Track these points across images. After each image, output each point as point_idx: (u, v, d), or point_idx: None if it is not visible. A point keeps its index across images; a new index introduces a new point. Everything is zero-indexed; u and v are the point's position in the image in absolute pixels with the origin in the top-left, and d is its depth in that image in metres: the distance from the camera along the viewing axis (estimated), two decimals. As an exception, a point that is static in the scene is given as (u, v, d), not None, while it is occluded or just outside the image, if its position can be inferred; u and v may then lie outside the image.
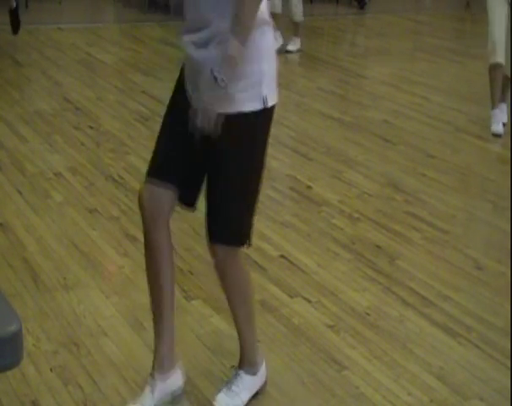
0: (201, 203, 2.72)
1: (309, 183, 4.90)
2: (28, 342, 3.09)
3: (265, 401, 2.89)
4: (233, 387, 2.81)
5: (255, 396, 2.89)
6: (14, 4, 7.57)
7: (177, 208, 4.19)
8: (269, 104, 2.52)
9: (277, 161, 5.33)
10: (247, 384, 2.84)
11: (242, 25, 2.40)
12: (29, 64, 7.37)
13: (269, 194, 4.72)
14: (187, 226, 4.22)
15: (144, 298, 3.52)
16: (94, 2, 10.45)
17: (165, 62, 7.67)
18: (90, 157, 5.14)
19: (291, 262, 3.90)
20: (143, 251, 3.91)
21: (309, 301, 3.56)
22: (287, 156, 5.46)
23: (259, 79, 2.49)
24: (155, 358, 2.75)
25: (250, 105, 2.49)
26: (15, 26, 7.63)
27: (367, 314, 3.48)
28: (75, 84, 6.78)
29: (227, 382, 2.84)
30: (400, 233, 4.28)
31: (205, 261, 3.85)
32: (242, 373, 2.85)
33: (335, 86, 7.27)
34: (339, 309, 3.51)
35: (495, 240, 4.33)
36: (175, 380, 2.79)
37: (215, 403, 2.79)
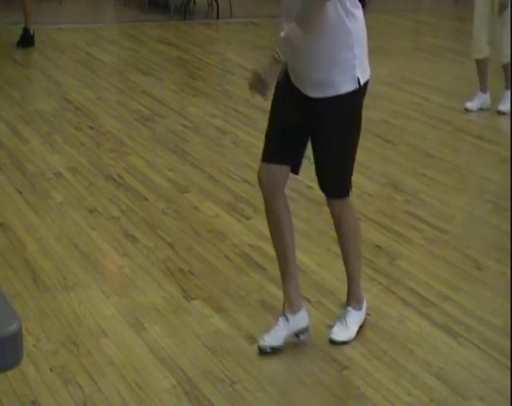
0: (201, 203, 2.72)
1: (309, 183, 4.90)
2: (28, 342, 3.09)
3: (265, 401, 2.89)
4: (345, 322, 3.25)
5: (255, 395, 2.90)
6: (32, 31, 7.71)
7: (177, 208, 4.20)
8: (362, 82, 2.97)
9: (277, 161, 5.32)
10: (356, 318, 3.28)
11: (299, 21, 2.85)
12: (29, 64, 7.38)
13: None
14: (187, 226, 4.22)
15: (144, 298, 3.53)
16: (94, 2, 10.46)
17: (165, 62, 7.67)
18: (90, 157, 5.14)
19: (291, 262, 3.89)
20: (143, 251, 3.93)
21: (309, 301, 3.55)
22: (287, 156, 5.45)
23: (353, 63, 2.94)
24: (285, 300, 3.19)
25: (346, 87, 2.95)
26: (24, 43, 7.74)
27: (368, 314, 3.47)
28: (75, 84, 6.78)
29: (339, 317, 3.27)
30: (400, 233, 4.28)
31: (205, 261, 3.85)
32: (351, 309, 3.28)
33: (335, 86, 7.25)
34: (339, 309, 3.50)
35: (495, 240, 4.33)
36: (301, 319, 3.19)
37: (331, 335, 3.21)
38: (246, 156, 5.20)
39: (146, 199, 4.52)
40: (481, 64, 6.31)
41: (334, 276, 3.79)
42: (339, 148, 3.10)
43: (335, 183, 3.20)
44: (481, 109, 6.37)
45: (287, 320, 3.16)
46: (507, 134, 5.79)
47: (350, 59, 2.94)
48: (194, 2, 9.96)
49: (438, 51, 8.70)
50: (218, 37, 9.04)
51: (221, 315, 3.38)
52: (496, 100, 6.45)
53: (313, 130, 3.07)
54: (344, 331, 3.24)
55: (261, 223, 4.30)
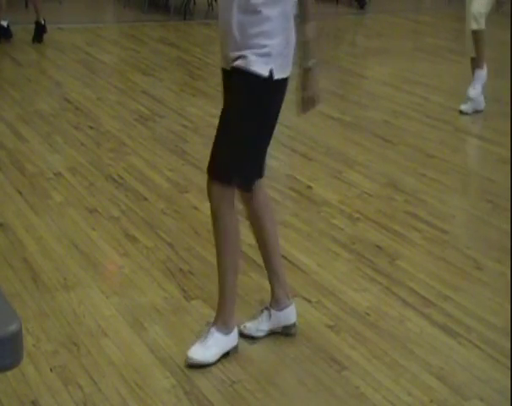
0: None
1: (309, 183, 4.90)
2: (28, 342, 3.09)
3: (265, 401, 2.89)
4: (206, 341, 3.03)
5: (255, 395, 2.90)
6: (42, 21, 7.74)
7: (177, 208, 4.19)
8: (275, 77, 2.90)
9: (277, 161, 5.33)
10: (219, 341, 3.05)
11: (309, 13, 2.99)
12: (30, 64, 7.37)
13: (269, 194, 4.71)
14: (187, 226, 4.22)
15: (144, 298, 3.53)
16: (94, 2, 10.46)
17: (165, 62, 7.67)
18: (90, 157, 5.14)
19: (291, 262, 3.90)
20: (143, 251, 3.94)
21: (309, 301, 3.56)
22: (287, 156, 5.46)
23: (270, 51, 2.87)
24: (271, 296, 3.22)
25: (258, 67, 2.87)
26: (39, 37, 7.76)
27: (367, 314, 3.48)
28: (75, 84, 6.78)
29: (201, 336, 3.08)
30: (400, 233, 4.28)
31: (205, 261, 3.85)
32: (214, 330, 3.06)
33: (335, 86, 7.27)
34: (339, 309, 3.51)
35: (495, 240, 4.33)
36: (289, 315, 3.23)
37: (189, 353, 3.00)
38: (246, 156, 5.19)
39: (146, 199, 4.52)
40: (478, 35, 6.20)
41: (334, 276, 3.80)
42: (231, 124, 2.99)
43: (216, 159, 3.01)
44: (476, 111, 6.33)
45: (271, 315, 3.21)
46: (507, 134, 5.80)
47: (267, 46, 2.88)
48: (194, 2, 9.96)
49: (438, 51, 8.70)
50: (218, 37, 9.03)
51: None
52: (495, 100, 6.46)
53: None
54: (202, 351, 3.02)
55: (261, 223, 4.30)
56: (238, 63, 2.90)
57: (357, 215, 4.48)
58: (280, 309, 3.22)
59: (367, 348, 3.24)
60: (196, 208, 4.44)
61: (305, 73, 3.00)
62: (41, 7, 8.10)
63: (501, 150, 5.62)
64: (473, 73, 6.27)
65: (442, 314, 3.51)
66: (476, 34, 6.18)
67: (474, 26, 6.17)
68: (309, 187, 4.86)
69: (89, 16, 9.77)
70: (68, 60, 7.62)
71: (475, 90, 6.24)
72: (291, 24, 2.97)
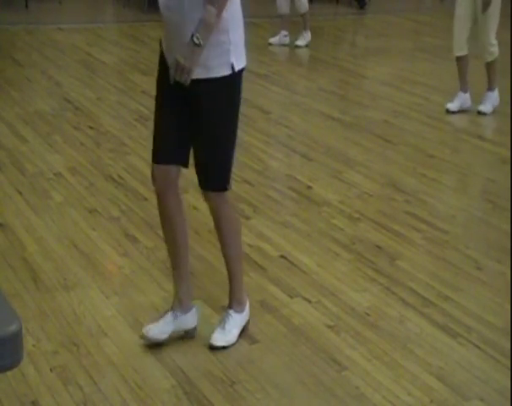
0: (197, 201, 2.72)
1: (309, 183, 4.90)
2: (28, 342, 3.09)
3: (265, 401, 2.89)
4: (226, 326, 3.17)
5: (255, 395, 2.90)
6: None
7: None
8: (237, 69, 2.92)
9: (277, 161, 5.33)
10: (237, 321, 3.21)
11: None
12: (30, 64, 7.37)
13: (269, 194, 4.72)
14: (187, 226, 4.21)
15: (144, 298, 3.53)
16: (94, 2, 10.45)
17: (165, 62, 7.66)
18: (90, 157, 5.14)
19: (291, 262, 3.90)
20: (143, 251, 3.93)
21: (309, 301, 3.56)
22: (287, 156, 5.46)
23: (228, 47, 2.87)
24: (175, 299, 3.18)
25: (220, 71, 2.89)
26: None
27: (367, 314, 3.48)
28: (75, 84, 6.78)
29: (220, 322, 3.20)
30: (400, 233, 4.28)
31: (205, 261, 3.85)
32: (232, 312, 3.21)
33: (335, 86, 7.27)
34: (339, 309, 3.51)
35: (495, 240, 4.33)
36: (191, 319, 3.19)
37: (211, 341, 3.13)
38: (246, 156, 5.20)
39: (146, 199, 4.51)
40: (461, 62, 6.32)
41: (334, 276, 3.80)
42: (213, 134, 3.00)
43: (211, 173, 3.07)
44: (461, 110, 6.37)
45: (176, 317, 3.15)
46: (507, 134, 5.80)
47: (226, 43, 2.86)
48: (194, 2, 9.95)
49: (438, 51, 8.69)
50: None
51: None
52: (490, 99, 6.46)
53: (191, 117, 2.99)
54: (225, 335, 3.17)
55: (261, 223, 4.31)
56: (197, 72, 2.85)
57: (357, 215, 4.48)
58: (185, 312, 3.17)
59: (367, 348, 3.24)
60: (196, 208, 4.44)
61: (196, 47, 2.79)
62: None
63: (501, 150, 5.63)
64: (460, 72, 6.34)
65: (442, 314, 3.51)
66: (491, 64, 6.22)
67: (489, 58, 6.23)
68: (309, 187, 4.86)
69: (89, 16, 9.76)
70: (68, 60, 7.62)
71: (486, 108, 6.30)
72: (241, 13, 2.97)
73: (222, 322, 3.20)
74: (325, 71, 7.80)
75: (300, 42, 8.40)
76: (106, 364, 3.04)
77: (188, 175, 4.98)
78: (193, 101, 2.95)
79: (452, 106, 6.35)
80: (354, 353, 3.20)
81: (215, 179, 3.07)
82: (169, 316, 3.15)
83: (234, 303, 3.23)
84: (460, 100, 6.36)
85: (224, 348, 3.13)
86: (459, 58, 6.32)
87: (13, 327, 1.53)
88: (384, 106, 6.60)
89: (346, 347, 3.23)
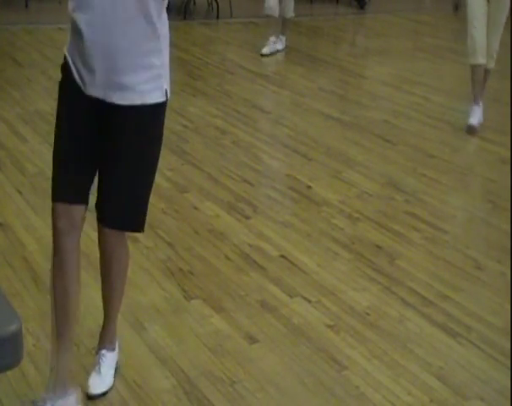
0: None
1: (309, 183, 4.91)
2: (28, 341, 3.09)
3: (265, 401, 2.89)
4: (101, 369, 2.89)
5: (255, 395, 2.90)
6: None
7: (177, 208, 4.17)
8: (168, 95, 2.58)
9: (277, 161, 5.33)
10: (112, 361, 2.95)
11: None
12: (30, 64, 7.37)
13: (269, 194, 4.72)
14: (187, 226, 4.22)
15: (144, 298, 3.53)
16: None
17: (165, 62, 7.66)
18: (90, 157, 5.13)
19: (291, 262, 3.90)
20: (143, 251, 3.93)
21: (309, 301, 3.56)
22: (287, 156, 5.46)
23: (160, 71, 2.53)
24: (52, 377, 2.73)
25: (154, 96, 2.53)
26: None
27: (367, 314, 3.48)
28: (75, 84, 6.78)
29: (94, 365, 2.91)
30: (400, 233, 4.28)
31: (205, 261, 3.85)
32: (105, 352, 2.94)
33: (335, 86, 7.27)
34: (339, 309, 3.51)
35: (495, 240, 4.33)
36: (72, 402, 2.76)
37: (89, 390, 2.84)
38: (246, 156, 5.20)
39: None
40: (479, 71, 6.05)
41: (334, 276, 3.80)
42: (137, 165, 2.59)
43: (128, 212, 2.67)
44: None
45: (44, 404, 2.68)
46: (507, 134, 5.80)
47: (157, 67, 2.51)
48: (194, 3, 9.96)
49: (438, 51, 8.70)
50: (218, 37, 9.03)
51: (221, 315, 3.38)
52: (495, 100, 6.46)
53: (106, 144, 2.56)
54: (101, 381, 2.88)
55: (261, 223, 4.31)
56: (129, 98, 2.49)
57: (357, 215, 4.48)
58: (60, 398, 2.70)
59: (367, 347, 3.24)
60: (196, 208, 4.44)
61: None
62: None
63: (501, 150, 5.63)
64: (478, 82, 6.05)
65: (442, 314, 3.51)
66: (490, 71, 6.11)
67: (491, 65, 6.04)
68: (309, 187, 4.86)
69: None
70: (68, 60, 7.61)
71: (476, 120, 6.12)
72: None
73: (97, 366, 2.90)
74: (325, 71, 7.80)
75: (278, 46, 8.25)
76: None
77: (189, 175, 5.00)
78: (113, 128, 2.54)
79: (474, 121, 6.02)
80: (354, 352, 3.20)
81: (131, 219, 2.69)
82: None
83: (107, 342, 2.96)
84: (478, 113, 6.08)
85: (103, 394, 2.86)
86: (478, 67, 6.04)
87: (13, 327, 1.53)
88: (384, 106, 6.60)
89: (346, 346, 3.23)
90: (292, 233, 4.23)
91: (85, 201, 2.63)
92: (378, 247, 4.11)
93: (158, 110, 2.56)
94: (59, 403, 2.68)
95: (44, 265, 3.77)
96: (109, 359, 2.94)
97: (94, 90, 2.49)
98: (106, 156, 2.58)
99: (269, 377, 3.01)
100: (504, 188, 4.90)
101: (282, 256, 3.96)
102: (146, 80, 2.49)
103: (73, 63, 2.51)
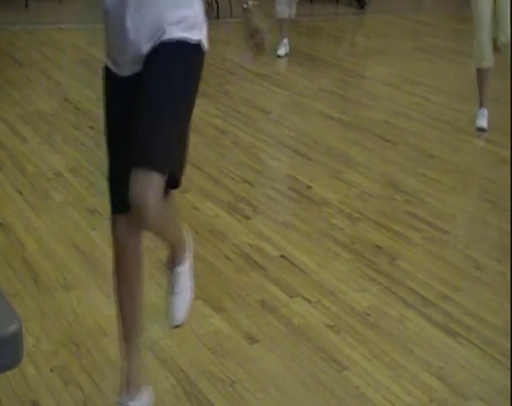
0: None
1: (309, 183, 4.90)
2: (28, 342, 3.09)
3: (265, 401, 2.89)
4: (176, 288, 2.78)
5: (255, 395, 2.90)
6: None
7: (177, 208, 4.16)
8: (203, 48, 2.47)
9: (277, 161, 5.33)
10: (186, 273, 2.83)
11: None
12: (30, 64, 7.37)
13: (269, 194, 4.72)
14: (187, 226, 4.21)
15: (144, 298, 3.52)
16: (94, 2, 10.45)
17: (165, 62, 7.65)
18: (90, 157, 5.14)
19: (291, 262, 3.90)
20: (143, 251, 3.92)
21: (309, 301, 3.56)
22: (287, 156, 5.46)
23: (195, 22, 2.44)
24: (122, 381, 2.71)
25: (187, 36, 2.40)
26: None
27: (367, 314, 3.48)
28: (75, 84, 6.78)
29: (168, 285, 2.80)
30: (400, 233, 4.28)
31: (205, 261, 3.85)
32: (178, 268, 2.79)
33: (335, 86, 7.27)
34: (339, 309, 3.51)
35: (495, 240, 4.33)
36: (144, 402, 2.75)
37: (171, 322, 2.80)
38: (246, 156, 5.20)
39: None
40: (486, 74, 6.01)
41: (334, 276, 3.80)
42: (164, 99, 2.35)
43: (147, 143, 2.33)
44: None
45: None
46: (507, 134, 5.80)
47: (190, 16, 2.43)
48: (194, 2, 9.95)
49: (438, 51, 8.70)
50: (218, 37, 9.03)
51: (221, 315, 3.38)
52: (495, 100, 6.45)
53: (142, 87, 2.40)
54: (180, 305, 2.82)
55: (261, 223, 4.31)
56: (158, 38, 2.39)
57: (357, 215, 4.48)
58: (132, 398, 2.68)
59: (367, 348, 3.24)
60: (196, 208, 4.44)
61: (245, 13, 2.63)
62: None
63: (501, 150, 5.63)
64: (484, 85, 6.02)
65: (442, 314, 3.51)
66: (500, 49, 6.06)
67: (503, 40, 5.87)
68: (309, 187, 4.86)
69: (89, 16, 9.76)
70: (68, 60, 7.62)
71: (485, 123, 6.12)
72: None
73: (171, 286, 2.78)
74: (325, 71, 7.80)
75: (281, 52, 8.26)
76: (106, 364, 3.04)
77: (189, 175, 4.99)
78: (144, 71, 2.41)
79: (483, 122, 6.02)
80: (354, 353, 3.20)
81: (159, 159, 2.33)
82: None
83: (176, 259, 2.79)
84: (485, 115, 6.06)
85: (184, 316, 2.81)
86: (484, 70, 5.99)
87: (13, 327, 1.53)
88: (384, 106, 6.60)
89: (346, 347, 3.23)
90: (292, 233, 4.23)
91: None
92: (379, 247, 4.11)
93: (190, 49, 2.41)
94: (134, 403, 2.67)
95: (44, 265, 3.77)
96: (184, 273, 2.80)
97: (133, 66, 2.47)
98: (141, 99, 2.40)
99: (269, 377, 3.01)
100: (504, 188, 4.89)
101: (282, 256, 3.96)
102: (178, 29, 2.40)
103: (108, 56, 2.57)
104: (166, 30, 2.39)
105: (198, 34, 2.46)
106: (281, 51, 8.12)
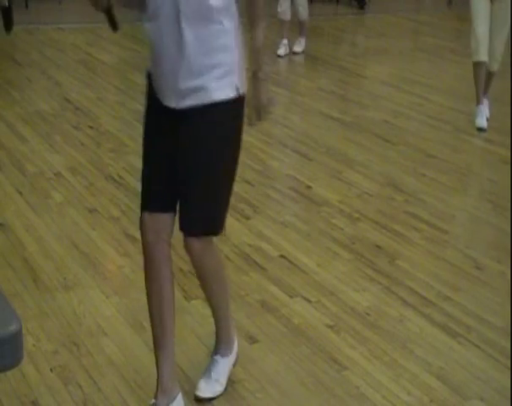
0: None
1: (309, 183, 4.90)
2: (28, 342, 3.09)
3: (265, 401, 2.89)
4: (212, 374, 2.88)
5: (255, 395, 2.90)
6: (7, 4, 7.59)
7: (177, 208, 4.14)
8: (241, 92, 2.56)
9: (277, 161, 5.33)
10: (225, 367, 2.92)
11: (261, 15, 2.60)
12: (29, 64, 7.37)
13: (269, 194, 4.72)
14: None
15: (144, 298, 3.52)
16: (94, 2, 10.44)
17: (165, 62, 7.65)
18: (90, 157, 5.14)
19: (291, 262, 3.90)
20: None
21: (309, 301, 3.56)
22: (287, 156, 5.46)
23: (232, 68, 2.53)
24: (157, 387, 2.74)
25: (224, 93, 2.51)
26: (8, 25, 7.64)
27: (367, 314, 3.48)
28: (75, 84, 6.78)
29: (206, 369, 2.90)
30: (400, 233, 4.28)
31: (205, 261, 3.85)
32: (218, 358, 2.92)
33: (335, 86, 7.27)
34: (339, 309, 3.51)
35: (495, 240, 4.33)
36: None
37: (197, 392, 2.85)
38: (246, 156, 5.20)
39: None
40: (482, 69, 6.04)
41: (334, 276, 3.80)
42: (208, 166, 2.55)
43: (200, 213, 2.58)
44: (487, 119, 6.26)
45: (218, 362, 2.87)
46: (507, 134, 5.80)
47: (227, 63, 2.51)
48: (194, 2, 9.96)
49: (438, 51, 8.70)
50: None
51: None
52: (495, 100, 6.46)
53: (180, 146, 2.55)
54: (210, 386, 2.87)
55: (261, 223, 4.31)
56: (197, 98, 2.49)
57: (357, 215, 4.48)
58: (170, 402, 2.74)
59: (367, 348, 3.24)
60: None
61: (257, 81, 2.64)
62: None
63: (501, 150, 5.63)
64: (480, 80, 6.07)
65: (442, 314, 3.51)
66: (493, 74, 6.12)
67: (495, 68, 6.07)
68: (309, 187, 4.86)
69: (89, 16, 9.73)
70: (68, 60, 7.62)
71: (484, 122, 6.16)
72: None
73: (208, 370, 2.90)
74: (325, 71, 7.80)
75: (297, 48, 8.32)
76: (106, 364, 3.04)
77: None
78: (184, 129, 2.55)
79: (482, 122, 6.06)
80: (354, 353, 3.20)
81: (203, 221, 2.60)
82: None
83: (221, 347, 2.94)
84: (484, 112, 6.11)
85: (211, 399, 2.85)
86: (480, 64, 6.02)
87: (13, 327, 1.53)
88: (384, 106, 6.61)
89: (346, 347, 3.23)
90: (292, 233, 4.23)
91: (172, 210, 2.62)
92: (378, 247, 4.11)
93: (228, 107, 2.52)
94: None
95: (44, 265, 3.77)
96: (221, 365, 2.91)
97: (168, 99, 2.53)
98: (180, 159, 2.56)
99: (269, 377, 3.01)
100: (504, 188, 4.90)
101: (282, 256, 3.96)
102: (215, 78, 2.49)
103: (153, 77, 2.59)
104: (204, 86, 2.48)
105: (235, 79, 2.53)
106: (281, 51, 8.15)
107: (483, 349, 3.27)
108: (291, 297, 3.59)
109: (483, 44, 5.94)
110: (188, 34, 2.44)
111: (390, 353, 3.21)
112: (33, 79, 6.94)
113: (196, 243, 2.61)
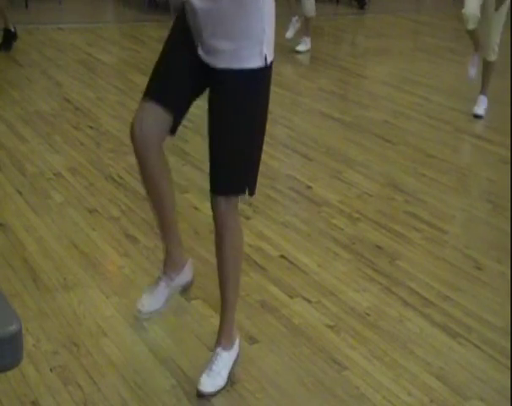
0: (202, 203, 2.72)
1: (309, 183, 4.90)
2: (28, 342, 3.09)
3: (265, 401, 2.89)
4: (213, 367, 2.90)
5: (255, 395, 2.90)
6: (13, 28, 7.58)
7: (177, 208, 4.16)
8: (269, 61, 2.67)
9: (277, 161, 5.33)
10: (226, 361, 2.94)
11: None
12: (29, 64, 7.37)
13: (269, 194, 4.72)
14: (188, 226, 4.22)
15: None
16: (94, 2, 10.45)
17: (165, 62, 7.65)
18: (90, 157, 5.14)
19: (291, 262, 3.90)
20: (143, 251, 3.93)
21: (309, 301, 3.56)
22: (287, 156, 5.46)
23: (261, 38, 2.63)
24: (167, 260, 3.02)
25: (252, 62, 2.63)
26: (7, 48, 7.63)
27: (367, 314, 3.48)
28: (75, 84, 6.78)
29: (208, 362, 2.92)
30: (400, 233, 4.28)
31: (205, 261, 3.85)
32: (220, 350, 2.94)
33: (335, 86, 7.27)
34: (339, 309, 3.51)
35: (495, 240, 4.33)
36: (187, 273, 3.10)
37: (199, 386, 2.86)
38: (246, 156, 5.20)
39: (146, 199, 4.51)
40: (471, 34, 6.23)
41: (334, 276, 3.80)
42: (237, 128, 2.70)
43: (228, 173, 2.75)
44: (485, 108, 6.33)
45: (171, 280, 3.03)
46: (507, 134, 5.80)
47: (260, 33, 2.62)
48: (194, 2, 9.95)
49: (438, 51, 8.70)
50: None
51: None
52: (495, 100, 6.46)
53: (211, 105, 2.71)
54: (212, 379, 2.88)
55: (261, 223, 4.31)
56: (230, 62, 2.62)
57: (357, 215, 4.48)
58: (180, 271, 3.05)
59: (367, 348, 3.24)
60: (196, 208, 4.44)
61: None
62: (9, 14, 7.74)
63: (501, 150, 5.63)
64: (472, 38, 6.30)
65: (442, 314, 3.51)
66: (491, 64, 6.17)
67: (493, 57, 6.15)
68: (309, 187, 4.86)
69: (89, 16, 9.76)
70: (68, 60, 7.62)
71: (481, 110, 6.25)
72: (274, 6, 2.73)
73: (210, 363, 2.91)
74: (325, 71, 7.80)
75: (301, 47, 8.33)
76: (106, 364, 3.04)
77: (189, 175, 5.00)
78: (215, 90, 2.69)
79: (479, 110, 6.24)
80: (354, 353, 3.20)
81: (230, 181, 2.76)
82: (163, 282, 3.01)
83: (223, 339, 2.96)
84: (483, 102, 6.29)
85: (212, 394, 2.87)
86: (469, 32, 6.19)
87: (13, 327, 1.53)
88: (384, 106, 6.60)
89: (346, 347, 3.23)
90: (292, 233, 4.23)
91: (171, 114, 2.74)
92: (379, 247, 4.11)
93: (256, 75, 2.66)
94: (179, 277, 3.03)
95: (44, 265, 3.77)
96: (224, 359, 2.93)
97: (200, 51, 2.66)
98: (212, 116, 2.71)
99: (269, 377, 3.01)
100: (504, 188, 4.90)
101: (282, 256, 3.96)
102: (246, 46, 2.61)
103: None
104: (233, 51, 2.60)
105: (263, 48, 2.63)
106: (302, 46, 8.29)
107: (483, 350, 3.27)
108: (291, 297, 3.59)
109: (472, 15, 6.02)
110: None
111: (390, 353, 3.21)
112: (33, 79, 6.94)
113: (223, 202, 2.76)
